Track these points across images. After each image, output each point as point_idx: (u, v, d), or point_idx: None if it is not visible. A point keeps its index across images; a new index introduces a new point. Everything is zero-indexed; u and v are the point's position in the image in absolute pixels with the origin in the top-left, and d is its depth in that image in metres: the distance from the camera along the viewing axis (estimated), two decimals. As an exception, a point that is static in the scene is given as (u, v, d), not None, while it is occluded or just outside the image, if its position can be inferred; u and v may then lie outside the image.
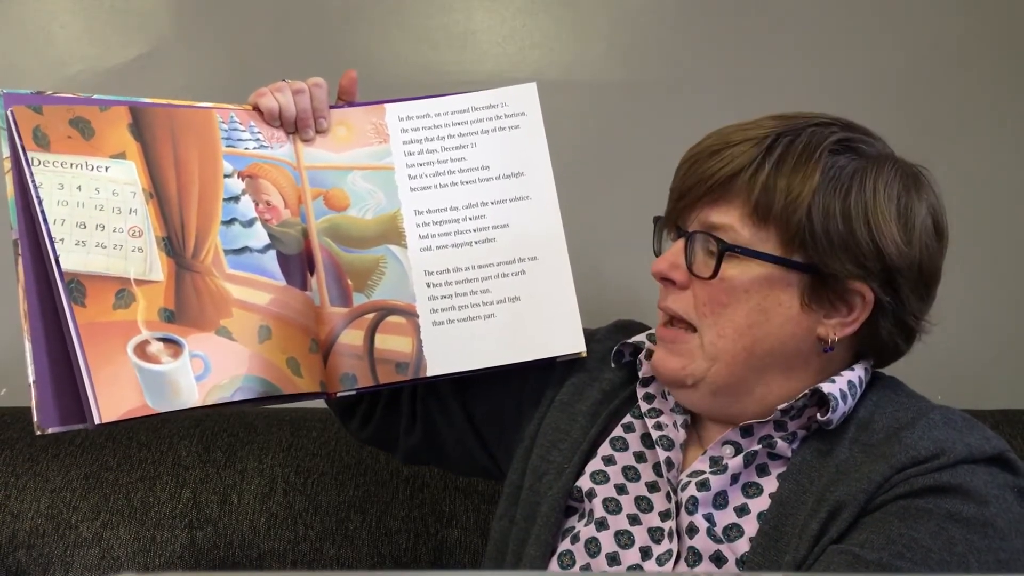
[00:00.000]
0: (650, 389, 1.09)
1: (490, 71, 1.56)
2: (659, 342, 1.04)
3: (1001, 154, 1.53)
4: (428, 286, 1.10)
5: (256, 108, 1.10)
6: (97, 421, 0.92)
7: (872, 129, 1.04)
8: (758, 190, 0.96)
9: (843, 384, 0.98)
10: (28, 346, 0.93)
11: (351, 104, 1.15)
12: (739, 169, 0.97)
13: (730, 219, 0.98)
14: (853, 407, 0.99)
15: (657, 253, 1.06)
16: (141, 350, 0.97)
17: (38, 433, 0.93)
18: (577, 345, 1.12)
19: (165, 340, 0.98)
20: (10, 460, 1.38)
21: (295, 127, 1.11)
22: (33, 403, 0.93)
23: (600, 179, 1.53)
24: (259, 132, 1.10)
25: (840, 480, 0.94)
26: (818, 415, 0.97)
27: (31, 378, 0.93)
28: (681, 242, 1.01)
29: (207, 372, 0.99)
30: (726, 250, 0.97)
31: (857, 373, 1.00)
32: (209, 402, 0.99)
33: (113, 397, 0.94)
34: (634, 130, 1.53)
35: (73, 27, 1.58)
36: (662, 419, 1.05)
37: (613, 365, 1.11)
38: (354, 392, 1.07)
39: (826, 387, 0.96)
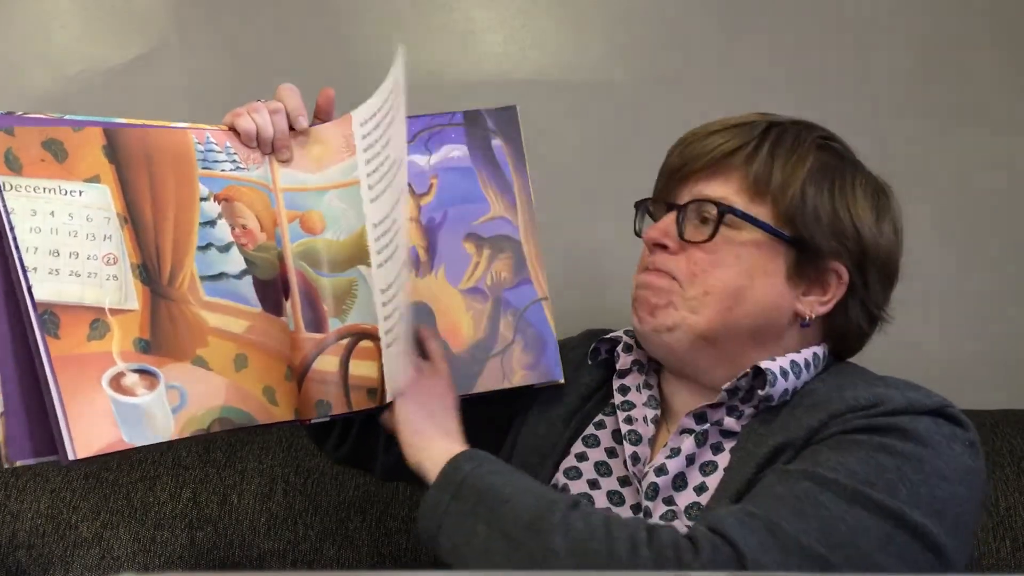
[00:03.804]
0: (626, 381, 1.10)
1: (490, 71, 1.56)
2: (641, 287, 1.06)
3: (1001, 154, 1.53)
4: (383, 305, 1.03)
5: (232, 128, 1.07)
6: (71, 457, 0.89)
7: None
8: (757, 164, 1.02)
9: (785, 363, 1.00)
10: None
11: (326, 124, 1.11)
12: (738, 147, 1.03)
13: (725, 192, 1.03)
14: (800, 386, 1.01)
15: (639, 234, 1.09)
16: (116, 382, 0.94)
17: (6, 466, 0.90)
18: (554, 373, 1.11)
19: (141, 371, 0.95)
20: (10, 460, 1.38)
21: (272, 148, 1.08)
22: (1, 436, 0.89)
23: (599, 179, 1.53)
24: (235, 153, 1.06)
25: (781, 432, 0.96)
26: (759, 391, 0.99)
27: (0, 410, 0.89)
28: (673, 214, 1.04)
29: (183, 403, 0.97)
30: (726, 212, 1.01)
31: (804, 355, 1.03)
32: (185, 435, 0.96)
33: (88, 432, 0.91)
34: (634, 130, 1.52)
35: (73, 27, 1.58)
36: (633, 412, 1.07)
37: (590, 362, 1.12)
38: (327, 419, 1.05)
39: (765, 364, 0.99)
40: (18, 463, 0.90)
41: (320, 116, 1.12)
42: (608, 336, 1.12)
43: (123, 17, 1.57)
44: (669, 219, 1.04)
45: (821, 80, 1.52)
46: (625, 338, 1.11)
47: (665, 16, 1.55)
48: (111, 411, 0.92)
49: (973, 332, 1.52)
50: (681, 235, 1.03)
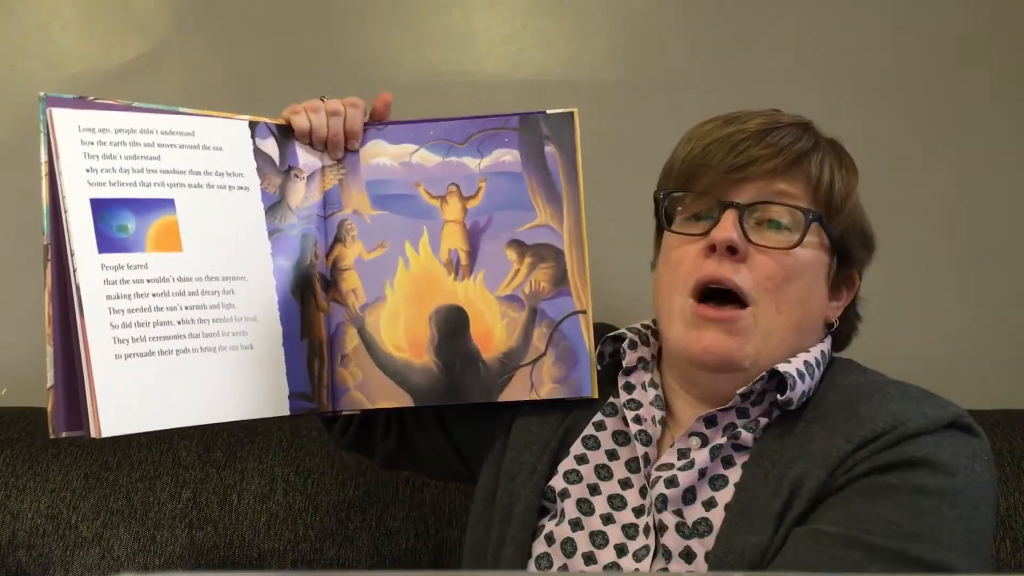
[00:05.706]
0: (631, 379, 1.08)
1: (490, 71, 1.56)
2: (705, 323, 0.99)
3: (1001, 153, 1.53)
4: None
5: (289, 123, 1.10)
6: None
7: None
8: (826, 172, 1.00)
9: (800, 364, 0.98)
10: (49, 350, 0.92)
11: (382, 124, 1.13)
12: (809, 149, 0.99)
13: (795, 195, 0.99)
14: (811, 392, 0.99)
15: (667, 228, 1.03)
16: None
17: (52, 437, 0.93)
18: (585, 388, 1.09)
19: None
20: (10, 460, 1.38)
21: (324, 147, 1.11)
22: (49, 407, 0.92)
23: (599, 179, 1.53)
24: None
25: (799, 457, 0.94)
26: (778, 396, 0.97)
27: (49, 383, 0.92)
28: (735, 213, 0.98)
29: None
30: (815, 220, 0.98)
31: (813, 354, 1.01)
32: None
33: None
34: (634, 130, 1.52)
35: (73, 27, 1.58)
36: (641, 412, 1.05)
37: (599, 367, 1.10)
38: (358, 412, 1.09)
39: (782, 367, 0.97)
40: (64, 434, 0.93)
41: (375, 118, 1.13)
42: (612, 335, 1.09)
43: (123, 17, 1.57)
44: (734, 218, 0.98)
45: (822, 80, 1.52)
46: (630, 335, 1.08)
47: (665, 16, 1.55)
48: None
49: (973, 332, 1.52)
50: (746, 236, 0.97)
